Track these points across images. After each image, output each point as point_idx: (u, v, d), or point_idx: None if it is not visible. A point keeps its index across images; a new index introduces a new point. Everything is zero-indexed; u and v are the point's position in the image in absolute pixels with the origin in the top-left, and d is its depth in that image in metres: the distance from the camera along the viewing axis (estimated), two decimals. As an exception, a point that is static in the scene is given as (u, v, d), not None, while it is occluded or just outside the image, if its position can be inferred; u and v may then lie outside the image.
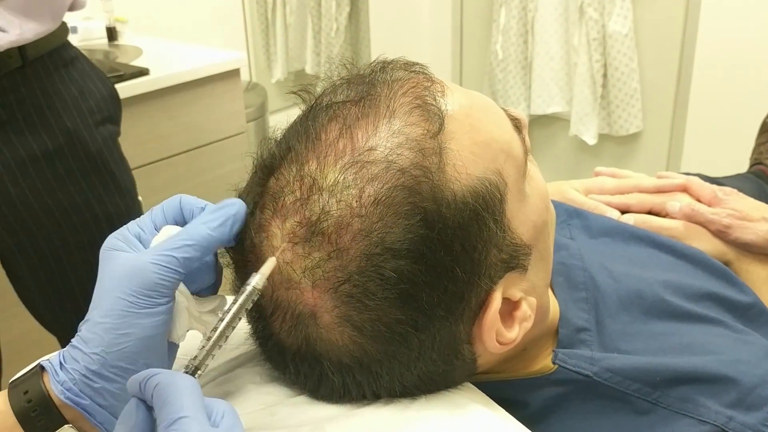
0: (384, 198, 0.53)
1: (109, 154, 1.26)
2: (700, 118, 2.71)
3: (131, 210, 1.32)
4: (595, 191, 1.02)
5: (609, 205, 0.99)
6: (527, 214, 0.61)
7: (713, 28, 2.59)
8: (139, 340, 0.52)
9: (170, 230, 0.56)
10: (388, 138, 0.54)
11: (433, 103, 0.57)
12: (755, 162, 1.87)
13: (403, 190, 0.53)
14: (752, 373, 0.68)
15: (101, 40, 2.28)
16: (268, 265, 0.54)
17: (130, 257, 0.54)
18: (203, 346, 0.52)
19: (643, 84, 2.82)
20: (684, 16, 2.67)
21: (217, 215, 0.55)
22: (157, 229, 0.57)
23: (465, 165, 0.56)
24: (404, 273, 0.53)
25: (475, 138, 0.57)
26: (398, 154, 0.54)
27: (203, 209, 0.58)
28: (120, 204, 1.29)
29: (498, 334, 0.59)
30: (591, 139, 2.92)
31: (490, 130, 0.59)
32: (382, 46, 2.72)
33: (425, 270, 0.53)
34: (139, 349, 0.52)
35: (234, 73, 2.09)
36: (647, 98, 2.84)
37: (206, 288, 0.59)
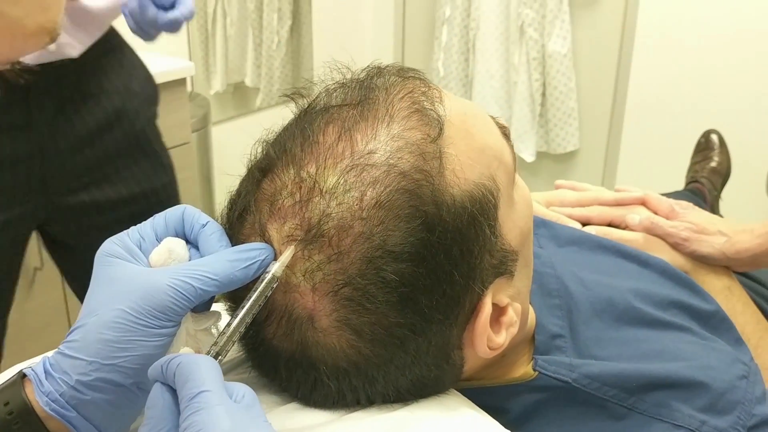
0: (385, 201, 0.53)
1: (151, 133, 1.37)
2: (634, 137, 2.81)
3: (173, 184, 1.42)
4: (556, 204, 1.04)
5: (570, 217, 1.01)
6: (515, 221, 0.62)
7: (648, 51, 2.69)
8: (138, 357, 0.50)
9: (172, 242, 0.55)
10: (387, 142, 0.55)
11: (431, 108, 0.57)
12: (692, 180, 1.94)
13: (405, 193, 0.53)
14: (721, 378, 0.70)
15: (41, 45, 2.21)
16: (287, 254, 0.53)
17: (142, 272, 0.52)
18: (224, 332, 0.51)
19: (580, 103, 2.90)
20: (620, 38, 2.76)
21: (245, 256, 0.54)
22: (159, 239, 0.56)
23: (463, 170, 0.56)
24: (405, 276, 0.53)
25: (471, 144, 0.58)
26: (399, 158, 0.54)
27: (204, 226, 0.57)
28: (164, 179, 1.39)
29: (488, 339, 0.60)
30: (529, 157, 2.97)
31: (483, 137, 0.60)
32: (324, 61, 2.73)
33: (426, 273, 0.53)
34: (135, 366, 0.51)
35: (180, 83, 2.05)
36: (584, 117, 2.92)
37: (202, 304, 0.58)
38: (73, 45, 1.18)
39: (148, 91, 1.38)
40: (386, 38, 3.20)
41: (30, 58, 1.08)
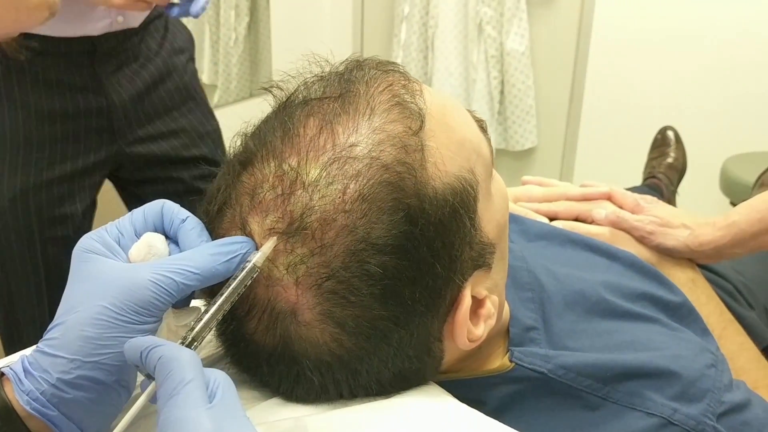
0: (368, 194, 0.53)
1: (197, 84, 1.56)
2: (591, 134, 2.84)
3: (219, 129, 1.61)
4: (524, 199, 1.05)
5: (537, 212, 1.02)
6: (493, 213, 0.63)
7: (604, 48, 2.73)
8: (120, 354, 0.49)
9: (151, 238, 0.54)
10: (369, 135, 0.55)
11: (412, 101, 0.57)
12: (649, 175, 1.98)
13: (387, 186, 0.53)
14: (691, 367, 0.72)
15: None
16: (269, 245, 0.53)
17: (123, 267, 0.52)
18: (200, 319, 0.51)
19: (538, 101, 2.92)
20: (577, 36, 2.79)
21: (226, 250, 0.53)
22: (138, 235, 0.55)
23: (444, 162, 0.56)
24: (389, 269, 0.53)
25: (451, 137, 0.58)
26: (381, 151, 0.54)
27: (184, 221, 0.56)
28: (213, 123, 1.58)
29: (468, 331, 0.60)
30: (488, 154, 2.99)
31: (463, 130, 0.60)
32: (282, 58, 2.71)
33: (409, 266, 0.54)
34: (117, 363, 0.50)
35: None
36: (542, 114, 2.95)
37: (182, 300, 0.57)
38: (134, 16, 1.37)
39: (189, 47, 1.57)
40: (345, 36, 3.19)
41: (99, 30, 1.32)
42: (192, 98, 1.53)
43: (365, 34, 3.22)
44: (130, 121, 1.41)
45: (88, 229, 1.41)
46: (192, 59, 1.58)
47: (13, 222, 1.32)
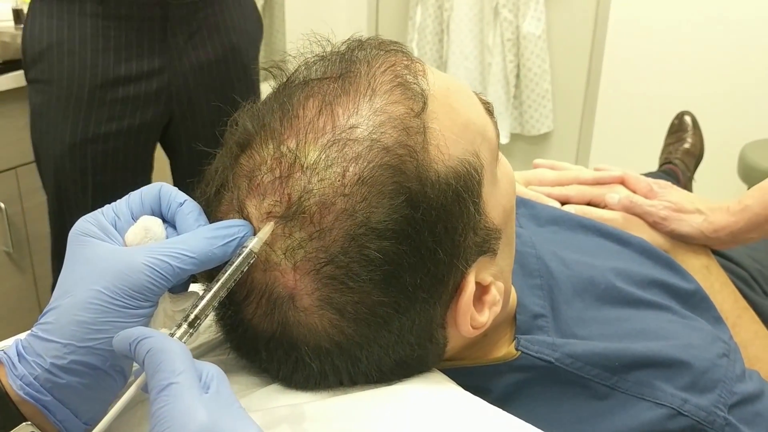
0: (368, 177, 0.51)
1: (253, 69, 1.64)
2: (608, 119, 2.81)
3: None
4: (535, 183, 1.04)
5: (549, 196, 1.00)
6: (498, 198, 0.61)
7: (621, 32, 2.69)
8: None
9: (148, 221, 0.53)
10: (370, 116, 0.53)
11: (414, 82, 0.56)
12: (665, 161, 1.95)
13: (388, 169, 0.52)
14: (703, 357, 0.70)
15: (7, 23, 2.16)
16: (266, 230, 0.51)
17: (117, 250, 0.50)
18: (196, 305, 0.50)
19: (554, 85, 2.89)
20: (594, 20, 2.75)
21: (223, 234, 0.52)
22: (134, 218, 0.54)
23: (447, 145, 0.55)
24: (389, 254, 0.52)
25: (455, 119, 0.57)
26: (382, 133, 0.53)
27: (181, 204, 0.55)
28: None
29: (471, 318, 0.59)
30: (503, 138, 2.97)
31: (467, 113, 0.59)
32: (296, 39, 2.70)
33: (409, 251, 0.52)
34: (111, 347, 0.48)
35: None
36: (558, 99, 2.92)
37: (180, 284, 0.56)
38: None
39: (256, 30, 1.64)
40: (360, 18, 3.17)
41: None
42: (245, 80, 1.60)
43: (380, 17, 3.20)
44: (186, 87, 1.51)
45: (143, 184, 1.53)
46: (258, 41, 1.66)
47: (71, 167, 1.46)
